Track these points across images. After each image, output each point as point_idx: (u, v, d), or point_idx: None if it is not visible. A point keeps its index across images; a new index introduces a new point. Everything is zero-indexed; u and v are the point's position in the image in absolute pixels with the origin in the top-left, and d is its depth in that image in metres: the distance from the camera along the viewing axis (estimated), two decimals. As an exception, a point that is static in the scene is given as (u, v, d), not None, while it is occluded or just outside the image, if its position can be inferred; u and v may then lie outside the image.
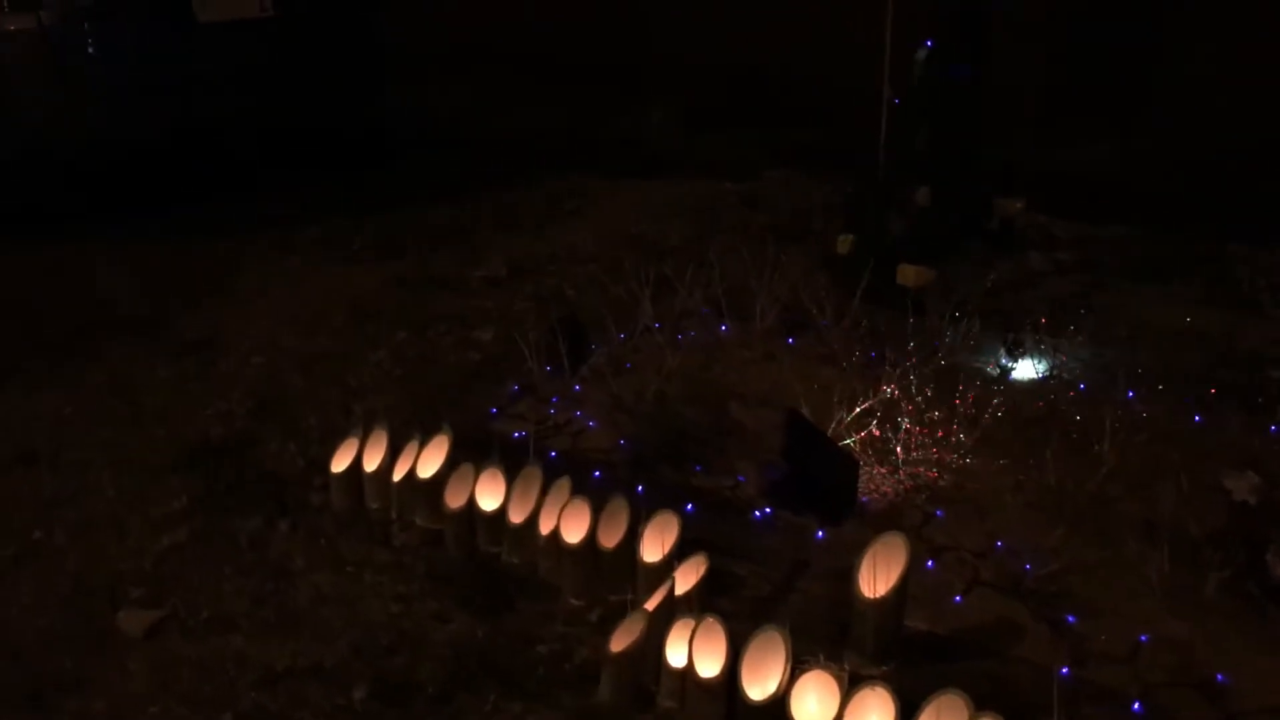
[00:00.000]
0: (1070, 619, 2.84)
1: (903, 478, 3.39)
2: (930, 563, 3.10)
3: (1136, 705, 2.57)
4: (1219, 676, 2.62)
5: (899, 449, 3.45)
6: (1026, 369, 4.15)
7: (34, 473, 4.00)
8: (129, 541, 3.57)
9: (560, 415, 4.01)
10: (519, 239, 6.39)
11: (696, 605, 2.93)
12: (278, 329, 5.18)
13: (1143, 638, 2.77)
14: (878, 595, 2.70)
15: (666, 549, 3.09)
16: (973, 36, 5.56)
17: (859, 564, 2.77)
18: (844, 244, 5.50)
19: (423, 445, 3.62)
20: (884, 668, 2.68)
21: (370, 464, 3.68)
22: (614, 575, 3.22)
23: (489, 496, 3.46)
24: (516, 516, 3.38)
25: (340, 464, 3.71)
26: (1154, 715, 2.55)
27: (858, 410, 3.65)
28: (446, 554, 3.47)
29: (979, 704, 2.39)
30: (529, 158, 8.16)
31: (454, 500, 3.48)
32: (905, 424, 3.55)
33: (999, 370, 4.16)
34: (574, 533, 3.25)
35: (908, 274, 5.02)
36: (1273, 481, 2.87)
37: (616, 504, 3.25)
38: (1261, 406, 3.79)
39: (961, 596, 2.95)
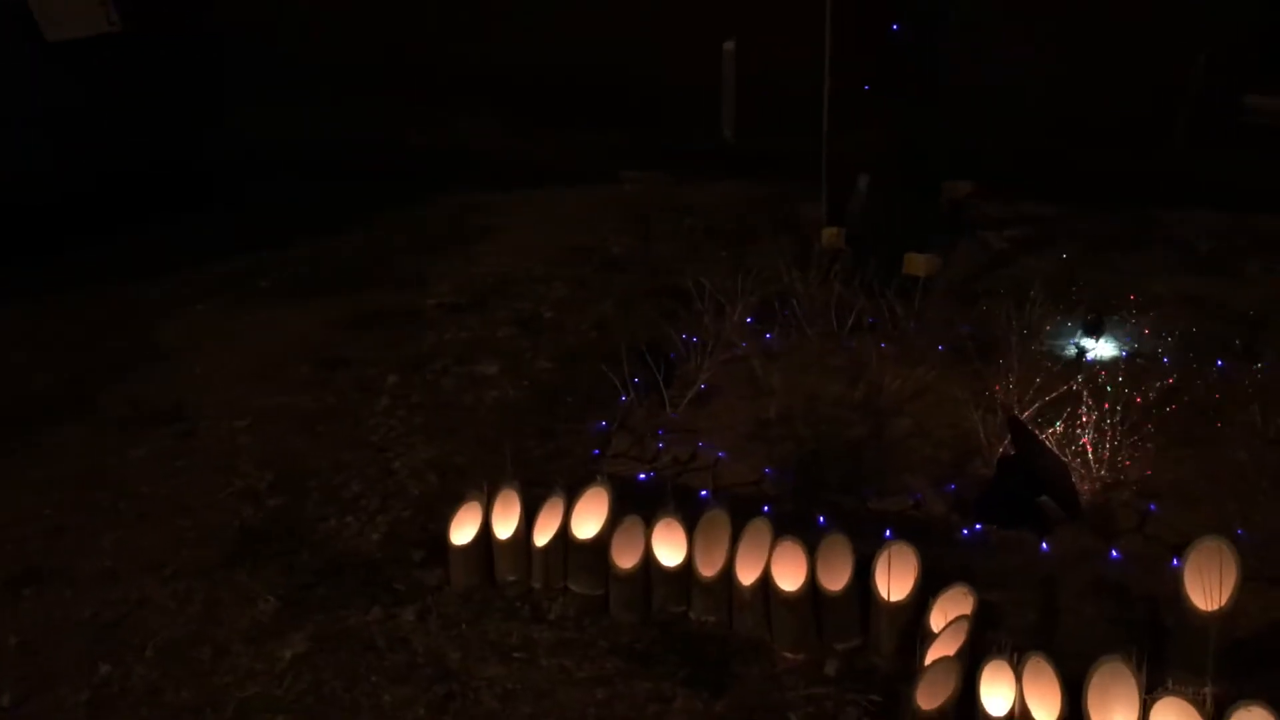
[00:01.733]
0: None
1: (1100, 474, 3.22)
2: (1175, 560, 2.95)
3: None
4: None
5: (1089, 444, 3.28)
6: (1107, 348, 4.10)
7: (51, 593, 3.23)
8: (238, 661, 2.92)
9: (677, 449, 3.61)
10: (447, 262, 5.86)
11: (970, 643, 2.66)
12: (242, 387, 4.47)
13: None
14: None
15: (911, 584, 2.81)
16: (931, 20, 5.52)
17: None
18: (830, 237, 5.35)
19: (571, 502, 3.15)
20: (1208, 687, 2.49)
21: (503, 531, 3.17)
22: (838, 621, 2.90)
23: (668, 550, 3.05)
24: (708, 569, 2.99)
25: (462, 535, 3.19)
26: None
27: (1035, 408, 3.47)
28: (617, 622, 3.04)
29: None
30: (398, 176, 7.56)
31: (626, 560, 3.04)
32: (1085, 416, 3.39)
33: (1078, 351, 4.09)
34: (789, 580, 2.90)
35: (917, 263, 4.91)
36: None
37: (833, 541, 2.93)
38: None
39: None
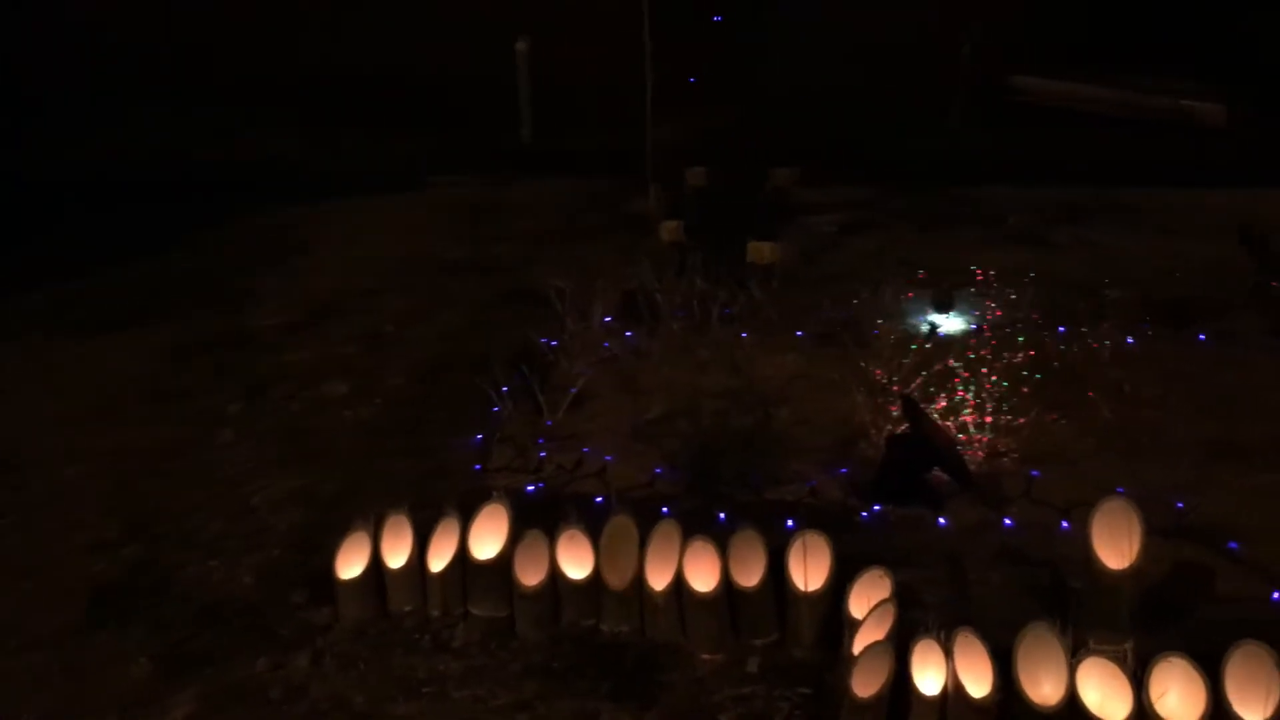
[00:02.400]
0: (1232, 545, 2.91)
1: (979, 445, 3.29)
2: (1065, 523, 3.05)
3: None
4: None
5: (970, 417, 3.35)
6: (956, 323, 4.21)
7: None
8: (120, 733, 2.65)
9: (561, 457, 3.49)
10: (272, 280, 5.55)
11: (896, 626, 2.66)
12: (70, 430, 4.10)
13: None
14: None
15: (826, 572, 2.79)
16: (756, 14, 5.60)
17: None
18: (670, 231, 5.34)
19: (467, 523, 3.00)
20: (1129, 643, 2.56)
21: (395, 560, 2.99)
22: (754, 617, 2.86)
23: (574, 563, 2.94)
24: (618, 578, 2.90)
25: (351, 568, 2.99)
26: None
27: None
28: (526, 642, 2.91)
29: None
30: (201, 191, 7.12)
31: (531, 577, 2.91)
32: (961, 390, 3.45)
33: (930, 327, 4.19)
34: (702, 580, 2.84)
35: (762, 251, 4.95)
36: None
37: (744, 537, 2.89)
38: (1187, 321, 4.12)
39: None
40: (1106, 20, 7.66)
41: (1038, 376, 3.63)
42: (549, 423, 3.66)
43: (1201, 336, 3.99)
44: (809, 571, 2.78)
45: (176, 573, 3.23)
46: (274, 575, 3.18)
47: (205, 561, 3.28)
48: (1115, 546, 2.62)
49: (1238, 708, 2.36)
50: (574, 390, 3.78)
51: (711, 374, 3.92)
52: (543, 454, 3.51)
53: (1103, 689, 2.45)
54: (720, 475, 3.28)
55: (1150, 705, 2.39)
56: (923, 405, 3.28)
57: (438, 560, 2.97)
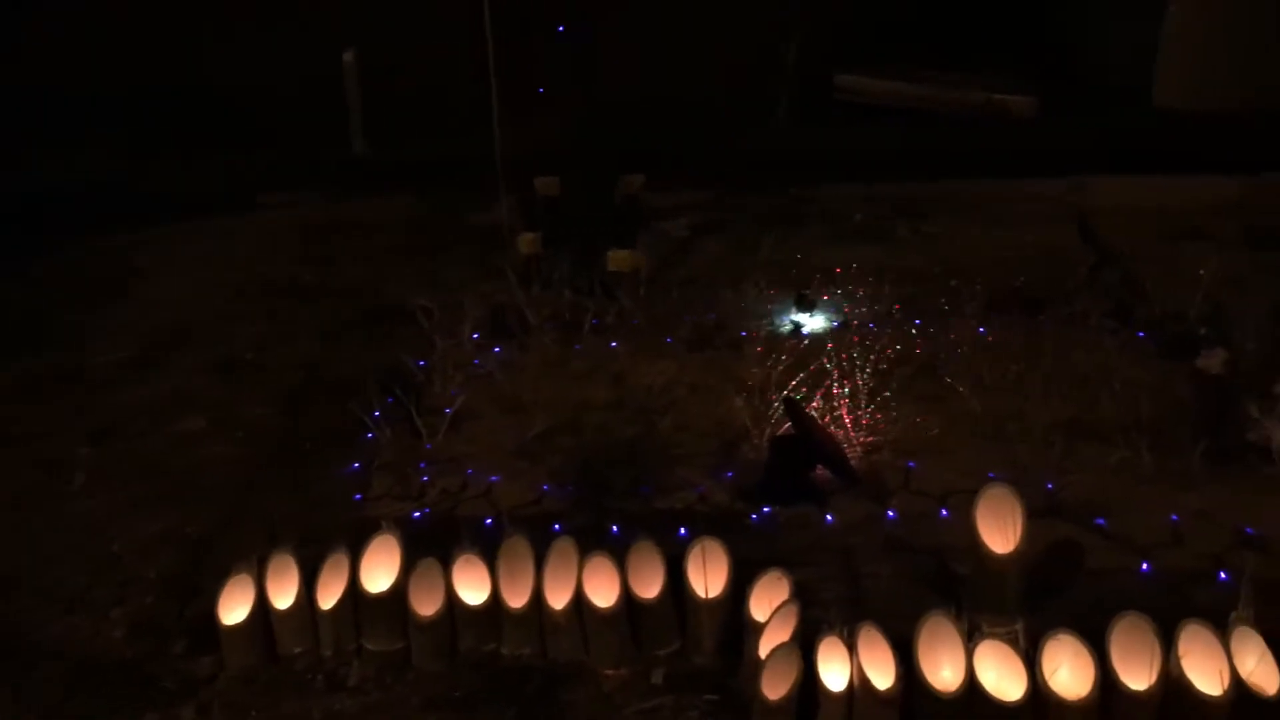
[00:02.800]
0: (1100, 521, 3.06)
1: (856, 441, 3.38)
2: (944, 510, 3.16)
3: (1222, 575, 2.87)
4: (1248, 529, 3.01)
5: (846, 414, 3.43)
6: (818, 321, 4.31)
7: None
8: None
9: (444, 480, 3.42)
10: (111, 312, 5.26)
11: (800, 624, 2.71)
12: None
13: (1174, 517, 3.08)
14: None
15: (725, 578, 2.82)
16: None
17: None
18: (528, 243, 5.30)
19: (357, 556, 2.91)
20: (1019, 624, 2.66)
21: (282, 601, 2.88)
22: (655, 629, 2.86)
23: (471, 588, 2.88)
24: (516, 600, 2.86)
25: (234, 613, 2.86)
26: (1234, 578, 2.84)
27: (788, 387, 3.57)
28: (423, 674, 2.84)
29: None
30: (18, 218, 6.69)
31: (427, 606, 2.85)
32: (835, 387, 3.53)
33: (794, 326, 4.27)
34: (602, 596, 2.83)
35: (623, 259, 4.96)
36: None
37: (640, 548, 2.89)
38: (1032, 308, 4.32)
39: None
40: (924, 18, 7.91)
41: (905, 370, 3.74)
42: (428, 446, 3.58)
43: (1048, 323, 4.17)
44: (708, 578, 2.80)
45: (40, 632, 3.04)
46: (148, 626, 3.02)
47: (70, 617, 3.09)
48: (999, 531, 2.72)
49: (1124, 677, 2.48)
50: (449, 411, 3.72)
51: (589, 386, 3.91)
52: (425, 479, 3.44)
53: (998, 670, 2.55)
54: (608, 488, 3.28)
55: (1044, 682, 2.49)
56: (804, 405, 3.34)
57: (328, 598, 2.88)
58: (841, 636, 2.60)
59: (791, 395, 3.38)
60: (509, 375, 3.94)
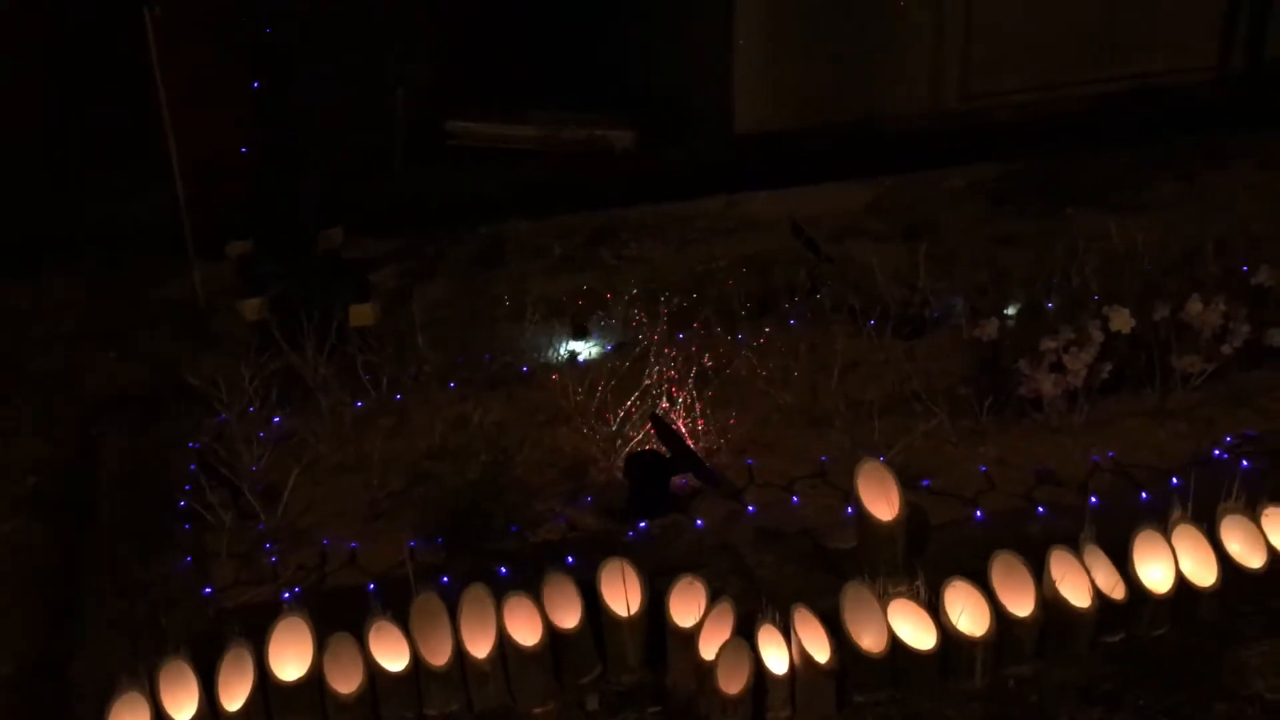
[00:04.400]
0: (925, 483, 3.44)
1: (695, 448, 3.54)
2: (797, 498, 3.42)
3: (1040, 509, 3.33)
4: (983, 468, 3.51)
5: (682, 425, 3.58)
6: (594, 347, 4.44)
7: None
8: None
9: (298, 556, 3.20)
10: None
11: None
12: None
13: (983, 468, 3.52)
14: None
15: (640, 593, 2.89)
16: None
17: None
18: (252, 310, 5.02)
19: (262, 647, 2.68)
20: (918, 580, 2.95)
21: (183, 712, 2.60)
22: (578, 657, 2.89)
23: (390, 656, 2.76)
24: (438, 658, 2.77)
25: (131, 738, 2.56)
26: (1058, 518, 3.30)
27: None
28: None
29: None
30: None
31: (346, 684, 2.69)
32: (664, 402, 3.67)
33: (568, 356, 4.38)
34: (526, 635, 2.82)
35: (364, 313, 4.85)
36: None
37: (553, 581, 2.90)
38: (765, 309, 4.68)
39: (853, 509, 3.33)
40: (526, 62, 8.19)
41: (705, 377, 3.96)
42: (260, 526, 3.35)
43: (796, 322, 4.55)
44: (625, 595, 2.87)
45: None
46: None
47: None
48: (879, 501, 3.01)
49: (1013, 608, 2.85)
50: (261, 488, 3.49)
51: (409, 437, 3.81)
52: (274, 559, 3.22)
53: (911, 625, 2.83)
54: (477, 532, 3.24)
55: (953, 627, 2.80)
56: (665, 419, 3.48)
57: (234, 698, 2.65)
58: (774, 622, 2.78)
59: (656, 412, 3.50)
60: (320, 439, 3.75)
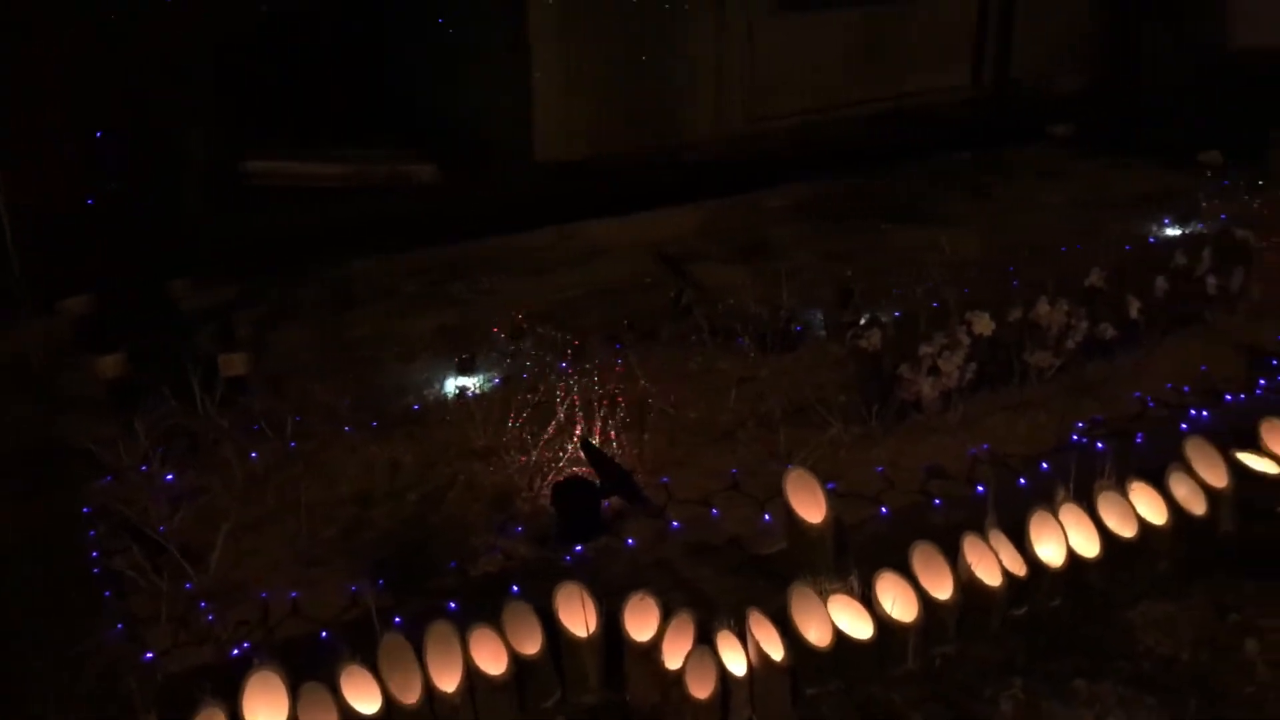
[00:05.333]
0: (831, 485, 3.68)
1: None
2: (716, 510, 3.60)
3: (937, 501, 3.63)
4: (879, 468, 3.80)
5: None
6: (480, 380, 4.51)
7: None
8: None
9: (235, 613, 3.15)
10: None
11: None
12: None
13: (879, 469, 3.79)
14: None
15: (593, 616, 3.00)
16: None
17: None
18: (110, 366, 4.83)
19: (237, 707, 2.65)
20: (851, 576, 3.17)
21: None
22: (539, 682, 2.98)
23: (362, 700, 2.77)
24: (409, 696, 2.81)
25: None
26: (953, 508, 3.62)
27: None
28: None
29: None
30: None
31: (324, 736, 2.70)
32: (579, 430, 3.77)
33: (458, 390, 4.44)
34: (493, 665, 2.89)
35: (235, 363, 4.75)
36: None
37: (514, 609, 2.98)
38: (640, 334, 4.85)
39: (770, 516, 3.54)
40: (325, 100, 8.15)
41: (605, 403, 4.09)
42: (189, 585, 3.27)
43: (668, 345, 4.74)
44: (578, 618, 2.98)
45: None
46: None
47: None
48: (807, 505, 3.23)
49: (935, 592, 3.11)
50: (172, 548, 3.41)
51: (324, 484, 3.78)
52: (210, 617, 3.16)
53: (850, 618, 3.06)
54: (418, 570, 3.28)
55: (887, 616, 3.04)
56: (596, 448, 3.59)
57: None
58: (730, 628, 2.95)
59: (584, 439, 3.61)
60: (232, 493, 3.68)
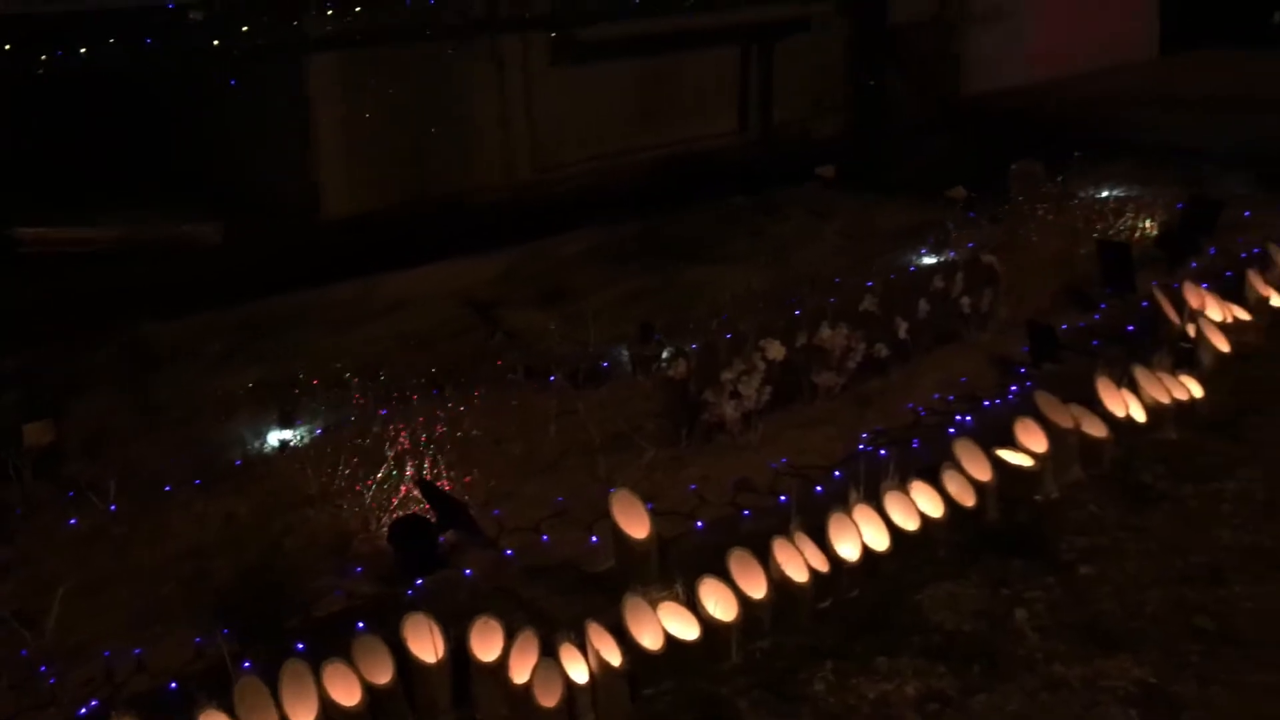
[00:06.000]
0: (649, 506, 3.96)
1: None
2: (546, 536, 3.82)
3: (746, 512, 3.96)
4: (692, 486, 4.14)
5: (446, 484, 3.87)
6: (304, 431, 4.60)
7: None
8: None
9: (79, 670, 3.14)
10: None
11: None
12: None
13: (692, 486, 4.10)
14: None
15: (440, 641, 3.18)
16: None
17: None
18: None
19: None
20: (676, 584, 3.45)
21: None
22: (395, 712, 3.13)
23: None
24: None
25: None
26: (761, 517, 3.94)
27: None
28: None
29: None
30: None
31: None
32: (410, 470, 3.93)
33: (282, 442, 4.52)
34: (346, 697, 3.02)
35: (39, 431, 4.68)
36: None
37: (364, 643, 3.12)
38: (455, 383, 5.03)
39: (596, 537, 3.80)
40: (101, 163, 8.01)
41: (433, 442, 4.27)
42: (24, 652, 3.25)
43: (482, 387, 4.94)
44: (435, 642, 3.15)
45: None
46: None
47: None
48: (632, 524, 3.51)
49: (750, 593, 3.44)
50: (6, 614, 3.39)
51: (154, 542, 3.80)
52: (52, 680, 3.15)
53: (678, 621, 3.34)
54: (265, 616, 3.36)
55: (710, 617, 3.34)
56: (433, 483, 3.76)
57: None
58: (571, 640, 3.18)
59: (420, 478, 3.77)
60: (62, 558, 3.66)
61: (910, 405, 4.69)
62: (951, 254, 6.18)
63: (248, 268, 7.04)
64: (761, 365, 4.34)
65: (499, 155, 8.30)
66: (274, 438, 4.53)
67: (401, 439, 4.12)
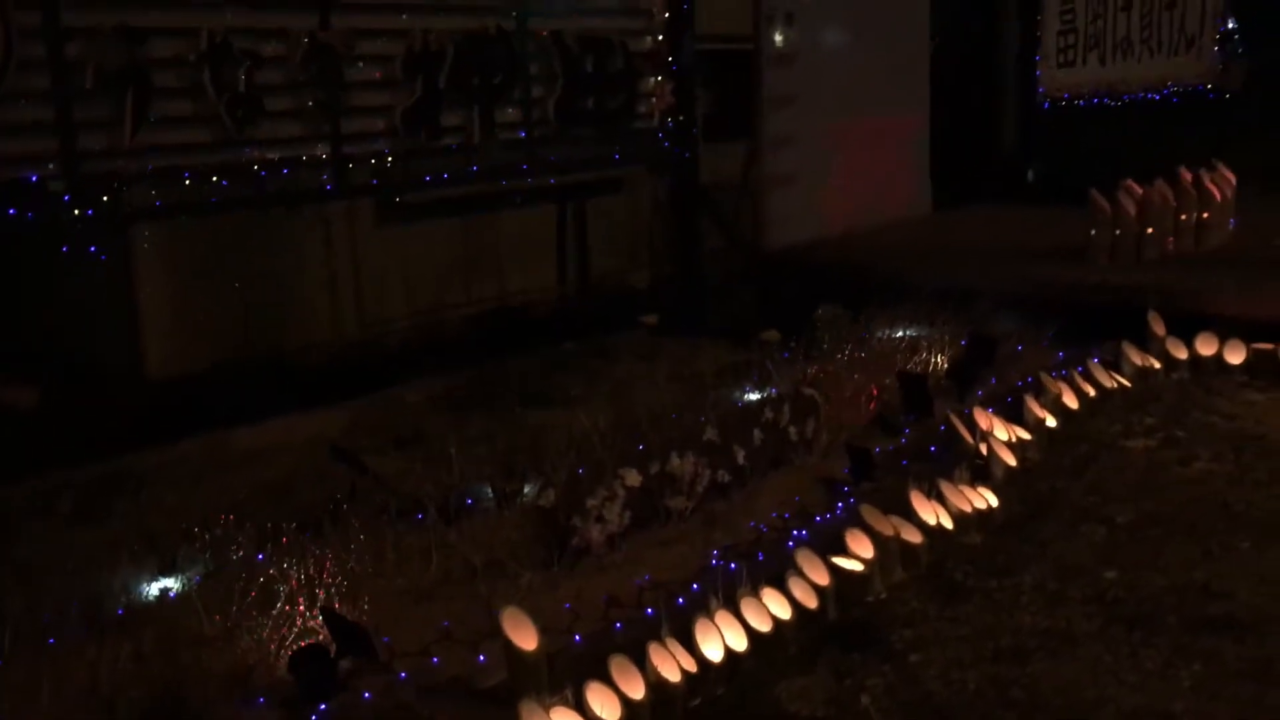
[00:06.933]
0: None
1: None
2: (436, 658, 4.11)
3: (618, 625, 4.34)
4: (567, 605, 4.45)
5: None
6: (186, 579, 4.74)
7: None
8: None
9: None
10: None
11: None
12: None
13: (567, 605, 4.45)
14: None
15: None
16: None
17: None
18: None
19: None
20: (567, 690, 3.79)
21: None
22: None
23: None
24: None
25: None
26: (632, 629, 4.33)
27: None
28: None
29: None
30: None
31: None
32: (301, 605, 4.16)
33: (164, 590, 4.66)
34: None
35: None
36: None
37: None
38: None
39: (484, 656, 4.10)
40: None
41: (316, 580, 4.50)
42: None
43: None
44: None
45: None
46: None
47: None
48: (521, 637, 3.86)
49: (630, 694, 3.83)
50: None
51: (39, 699, 3.88)
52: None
53: None
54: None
55: (597, 717, 3.71)
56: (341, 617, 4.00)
57: None
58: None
59: (324, 608, 4.00)
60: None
61: (752, 523, 5.22)
62: (773, 390, 6.84)
63: (77, 429, 7.04)
64: (621, 492, 4.80)
65: (327, 313, 8.59)
66: (156, 586, 4.66)
67: (290, 578, 4.35)
